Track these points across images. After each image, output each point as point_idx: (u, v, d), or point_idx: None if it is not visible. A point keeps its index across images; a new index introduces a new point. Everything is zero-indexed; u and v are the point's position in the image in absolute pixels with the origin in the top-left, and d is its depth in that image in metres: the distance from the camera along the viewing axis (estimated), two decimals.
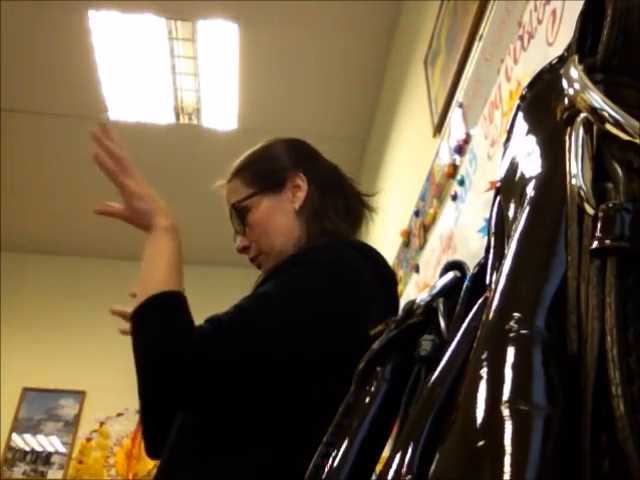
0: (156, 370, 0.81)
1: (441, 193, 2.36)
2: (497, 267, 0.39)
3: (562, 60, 0.42)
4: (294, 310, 0.87)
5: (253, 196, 1.08)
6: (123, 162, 0.97)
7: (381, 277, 1.02)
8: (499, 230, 0.42)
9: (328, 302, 0.90)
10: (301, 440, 0.78)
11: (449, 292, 0.50)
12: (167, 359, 0.80)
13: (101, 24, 3.52)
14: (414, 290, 2.70)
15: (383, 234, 3.34)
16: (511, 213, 0.40)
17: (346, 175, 1.17)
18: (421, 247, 2.64)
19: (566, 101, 0.36)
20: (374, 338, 0.51)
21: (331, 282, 0.92)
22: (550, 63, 0.45)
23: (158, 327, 0.83)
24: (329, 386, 0.82)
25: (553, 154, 0.38)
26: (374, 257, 1.04)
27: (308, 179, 1.09)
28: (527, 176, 0.40)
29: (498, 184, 0.46)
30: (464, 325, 0.40)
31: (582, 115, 0.34)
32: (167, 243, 0.93)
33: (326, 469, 0.43)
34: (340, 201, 1.10)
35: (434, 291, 0.51)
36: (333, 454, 0.43)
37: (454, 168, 2.21)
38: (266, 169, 1.10)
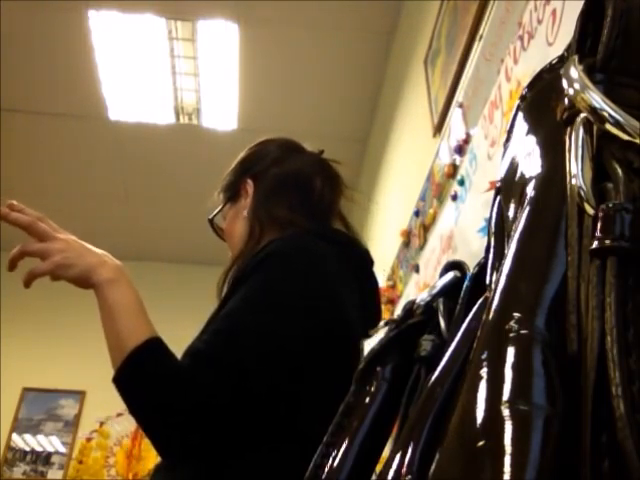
0: (161, 424, 0.81)
1: (441, 193, 2.36)
2: (497, 267, 0.39)
3: (562, 60, 0.42)
4: (269, 317, 0.86)
5: (222, 209, 1.18)
6: (39, 225, 0.97)
7: (350, 259, 1.01)
8: (499, 230, 0.42)
9: (299, 299, 0.89)
10: (301, 440, 0.78)
11: (449, 292, 0.50)
12: (166, 411, 0.80)
13: (101, 24, 3.52)
14: (414, 290, 2.70)
15: (383, 234, 3.33)
16: (511, 213, 0.40)
17: (322, 184, 1.13)
18: (421, 247, 2.64)
19: (566, 101, 0.36)
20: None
21: (297, 276, 0.91)
22: (550, 63, 0.45)
23: (144, 387, 0.82)
24: (327, 386, 0.82)
25: (553, 154, 0.38)
26: (340, 240, 1.04)
27: (255, 183, 1.12)
28: (527, 176, 0.40)
29: (498, 184, 0.46)
30: (464, 325, 0.40)
31: (582, 115, 0.34)
32: (114, 295, 0.90)
33: (326, 469, 0.43)
34: (297, 199, 1.09)
35: (434, 291, 0.51)
36: (333, 454, 0.43)
37: (454, 168, 2.21)
38: (229, 181, 1.18)
